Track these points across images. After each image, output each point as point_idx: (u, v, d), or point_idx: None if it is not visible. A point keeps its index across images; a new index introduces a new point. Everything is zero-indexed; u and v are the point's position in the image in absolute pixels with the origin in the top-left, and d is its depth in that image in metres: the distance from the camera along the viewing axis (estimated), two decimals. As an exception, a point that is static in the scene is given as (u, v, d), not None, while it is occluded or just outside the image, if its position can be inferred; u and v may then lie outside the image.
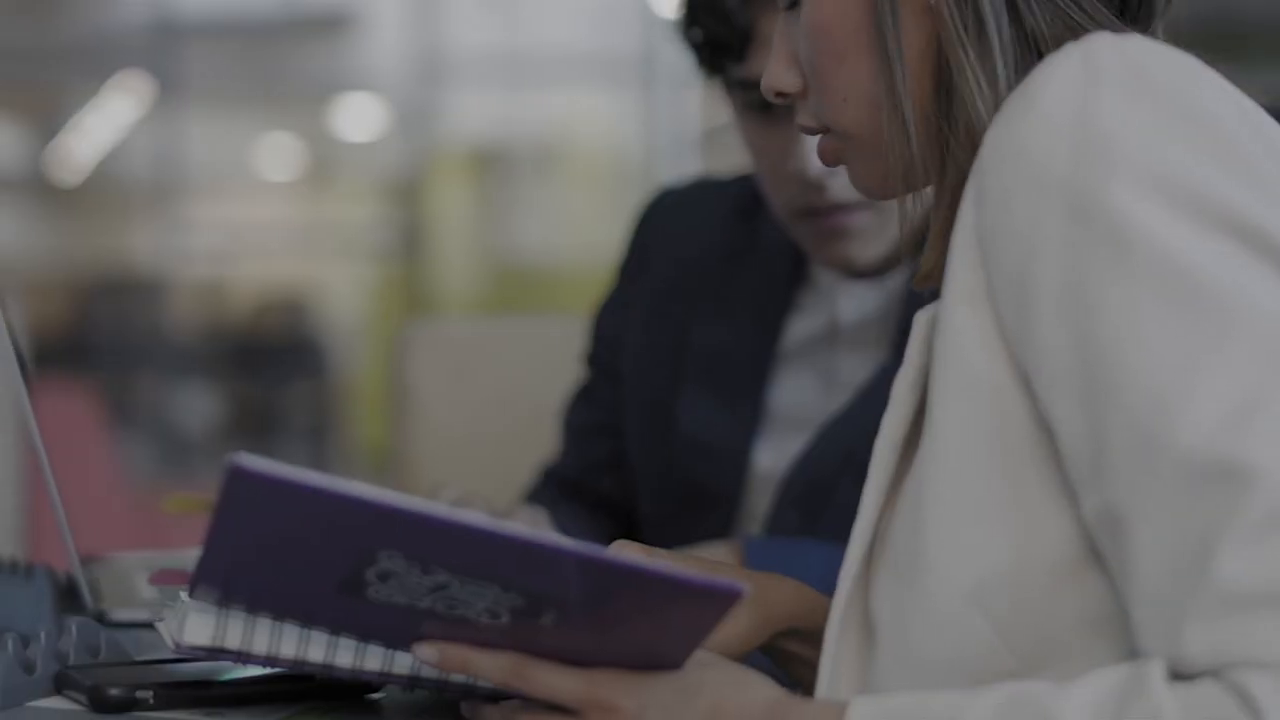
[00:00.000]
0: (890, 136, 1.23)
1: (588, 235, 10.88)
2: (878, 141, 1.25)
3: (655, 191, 2.19)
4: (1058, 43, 1.16)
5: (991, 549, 1.11)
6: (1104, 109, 1.09)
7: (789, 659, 1.38)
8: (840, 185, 1.82)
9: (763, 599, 1.36)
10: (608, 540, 1.99)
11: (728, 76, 1.90)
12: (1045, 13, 1.19)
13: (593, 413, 2.13)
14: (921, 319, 1.21)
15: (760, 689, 1.16)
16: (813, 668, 1.35)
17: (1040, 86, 1.11)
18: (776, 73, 1.30)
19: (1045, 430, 1.10)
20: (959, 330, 1.13)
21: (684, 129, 10.22)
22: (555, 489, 2.13)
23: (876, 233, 1.87)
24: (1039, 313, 1.09)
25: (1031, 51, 1.19)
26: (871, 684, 1.17)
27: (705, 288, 2.02)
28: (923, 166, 1.23)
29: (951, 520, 1.13)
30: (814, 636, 1.35)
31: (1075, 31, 1.17)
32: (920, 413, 1.20)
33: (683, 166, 9.60)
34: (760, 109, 1.87)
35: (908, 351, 1.21)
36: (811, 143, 1.79)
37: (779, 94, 1.33)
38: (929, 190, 1.27)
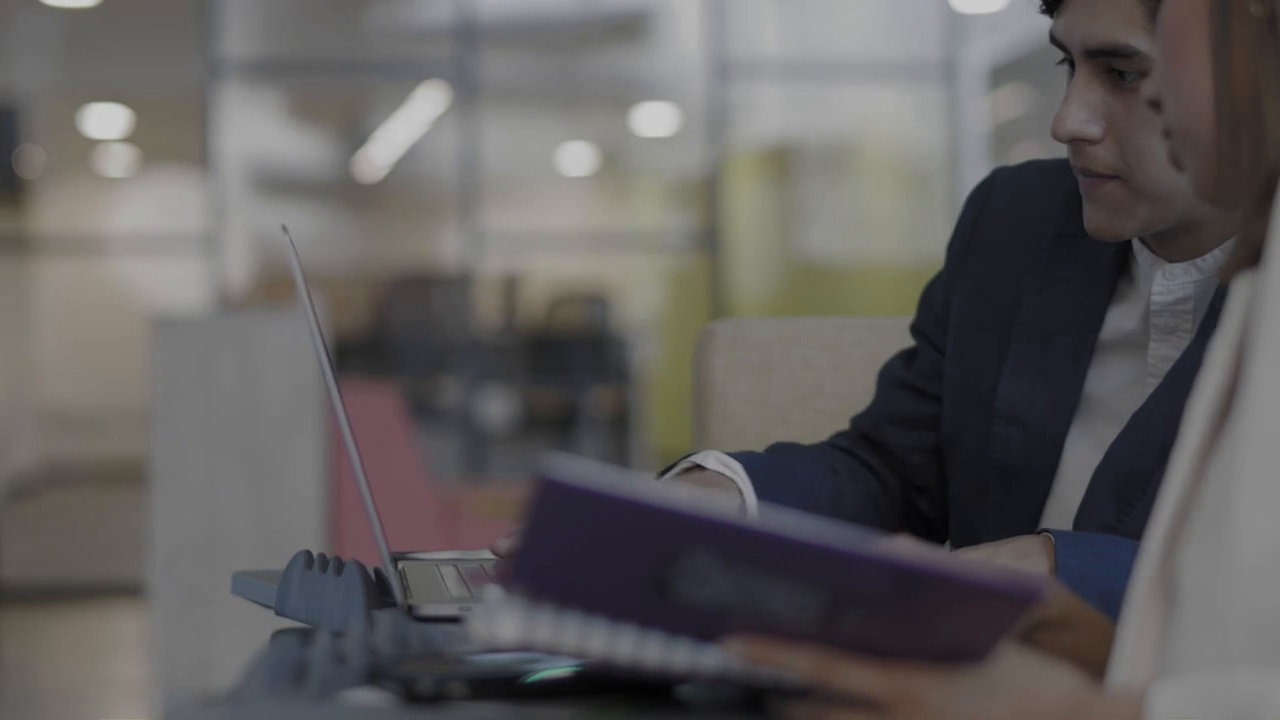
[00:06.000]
0: (1219, 136, 1.25)
1: (885, 236, 10.84)
2: (1206, 140, 1.26)
3: (990, 171, 2.20)
4: None
5: None
6: None
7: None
8: (1093, 155, 1.87)
9: None
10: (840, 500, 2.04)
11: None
12: None
13: (906, 372, 2.19)
14: (1240, 286, 1.22)
15: (1063, 679, 1.17)
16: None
17: None
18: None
19: None
20: (1278, 295, 1.13)
21: (983, 130, 10.14)
22: (848, 439, 2.21)
23: (1124, 208, 1.88)
24: None
25: None
26: (1171, 650, 1.16)
27: (1034, 268, 2.05)
28: (1248, 166, 1.23)
29: (1263, 479, 1.13)
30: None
31: None
32: (1237, 380, 1.20)
33: (981, 168, 9.53)
34: (1069, 65, 1.91)
35: (1224, 319, 1.21)
36: (1070, 106, 1.85)
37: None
38: None
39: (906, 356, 2.20)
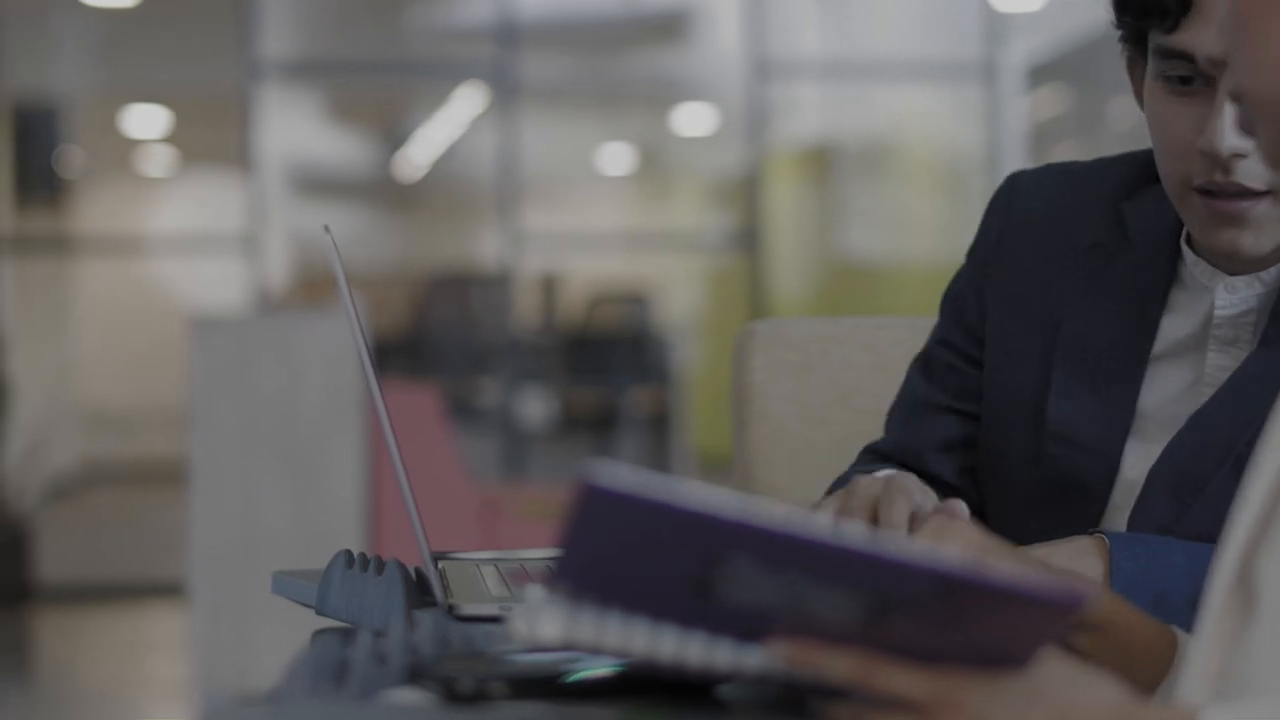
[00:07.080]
0: None
1: (924, 236, 10.82)
2: (1278, 110, 1.22)
3: (1007, 176, 2.15)
4: None
5: None
6: None
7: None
8: (1248, 169, 1.79)
9: None
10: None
11: (1152, 42, 1.85)
12: None
13: (941, 394, 2.10)
14: None
15: (1105, 689, 1.15)
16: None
17: None
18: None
19: None
20: None
21: (1023, 130, 10.11)
22: (874, 459, 2.11)
23: (1271, 224, 1.82)
24: None
25: None
26: (1245, 657, 1.15)
27: (1074, 277, 1.99)
28: None
29: None
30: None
31: None
32: None
33: (1021, 168, 9.50)
34: (1180, 80, 1.82)
35: None
36: (1227, 120, 1.75)
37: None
38: None
39: (925, 376, 2.12)
